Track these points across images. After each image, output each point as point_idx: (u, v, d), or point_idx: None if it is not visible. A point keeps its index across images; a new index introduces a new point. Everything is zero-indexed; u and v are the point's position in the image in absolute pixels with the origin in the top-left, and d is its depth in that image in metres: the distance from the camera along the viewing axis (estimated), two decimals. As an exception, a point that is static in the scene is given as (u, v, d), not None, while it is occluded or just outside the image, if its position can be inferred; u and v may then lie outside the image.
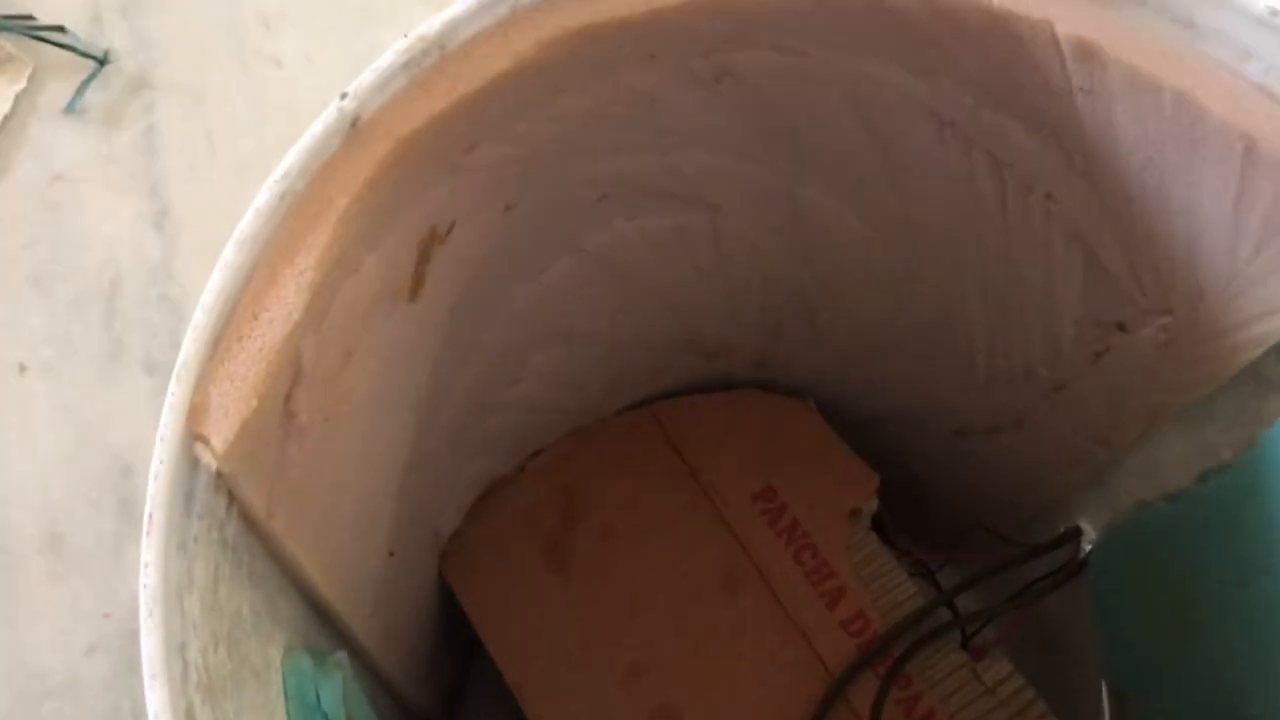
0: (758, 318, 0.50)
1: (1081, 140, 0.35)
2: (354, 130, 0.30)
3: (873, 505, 0.54)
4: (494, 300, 0.40)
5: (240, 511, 0.30)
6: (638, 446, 0.55)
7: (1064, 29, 0.33)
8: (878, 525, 0.58)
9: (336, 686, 0.36)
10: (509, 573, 0.52)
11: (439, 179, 0.33)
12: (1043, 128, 0.36)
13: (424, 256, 0.34)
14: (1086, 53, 0.33)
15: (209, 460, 0.27)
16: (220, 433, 0.27)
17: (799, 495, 0.54)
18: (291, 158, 0.29)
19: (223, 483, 0.28)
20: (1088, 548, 0.51)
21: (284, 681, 0.34)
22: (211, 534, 0.28)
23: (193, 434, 0.27)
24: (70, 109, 0.72)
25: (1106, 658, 0.49)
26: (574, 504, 0.54)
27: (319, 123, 0.30)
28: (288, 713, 0.34)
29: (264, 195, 0.29)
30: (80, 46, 0.73)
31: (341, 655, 0.37)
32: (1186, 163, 0.33)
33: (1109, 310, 0.41)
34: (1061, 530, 0.53)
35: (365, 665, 0.46)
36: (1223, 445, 0.42)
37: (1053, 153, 0.36)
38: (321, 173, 0.29)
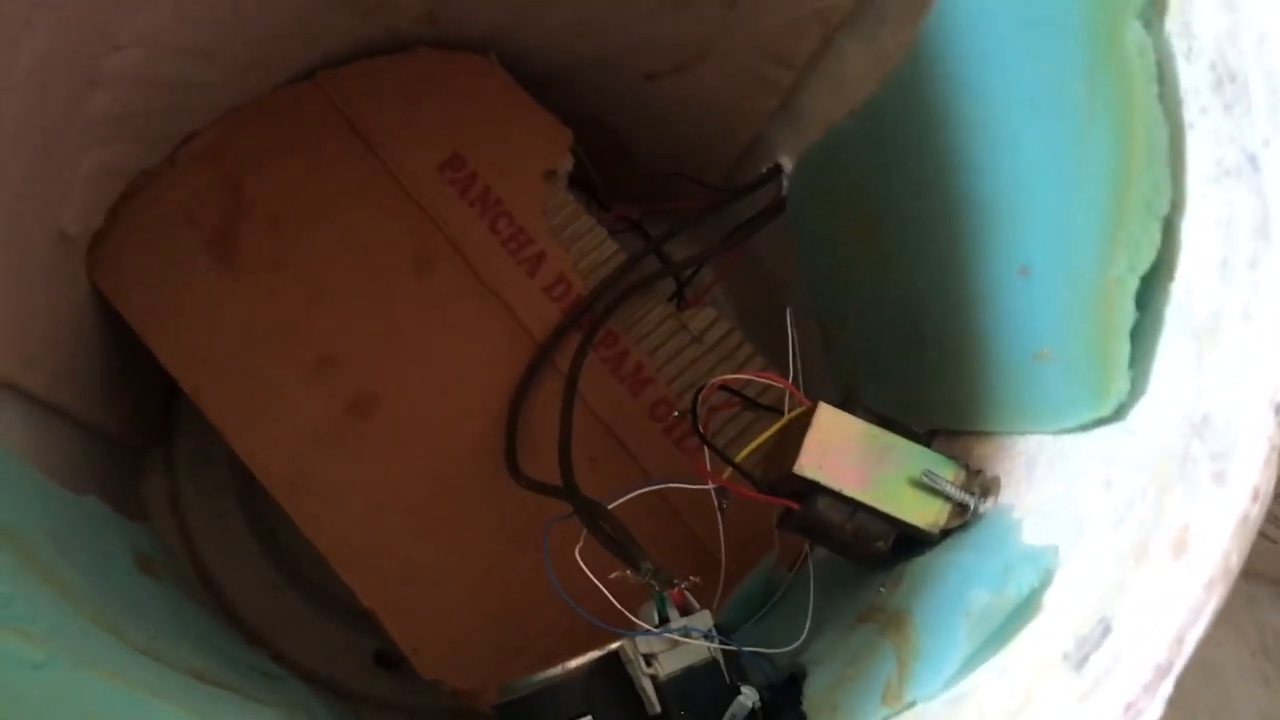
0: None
1: None
2: None
3: (568, 164, 0.51)
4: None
5: None
6: (304, 123, 0.49)
7: None
8: (588, 189, 0.55)
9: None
10: (170, 273, 0.47)
11: None
12: None
13: None
14: None
15: None
16: None
17: (489, 160, 0.50)
18: None
19: None
20: (788, 185, 0.50)
21: None
22: None
23: None
24: None
25: (809, 291, 0.49)
26: (237, 192, 0.48)
27: None
28: None
29: None
30: None
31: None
32: None
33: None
34: (764, 170, 0.51)
35: (12, 394, 0.41)
36: (895, 47, 0.39)
37: None
38: None
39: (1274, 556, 0.56)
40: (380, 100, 0.50)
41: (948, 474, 0.35)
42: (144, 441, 0.57)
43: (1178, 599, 0.23)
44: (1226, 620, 0.61)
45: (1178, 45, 0.28)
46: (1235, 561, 0.23)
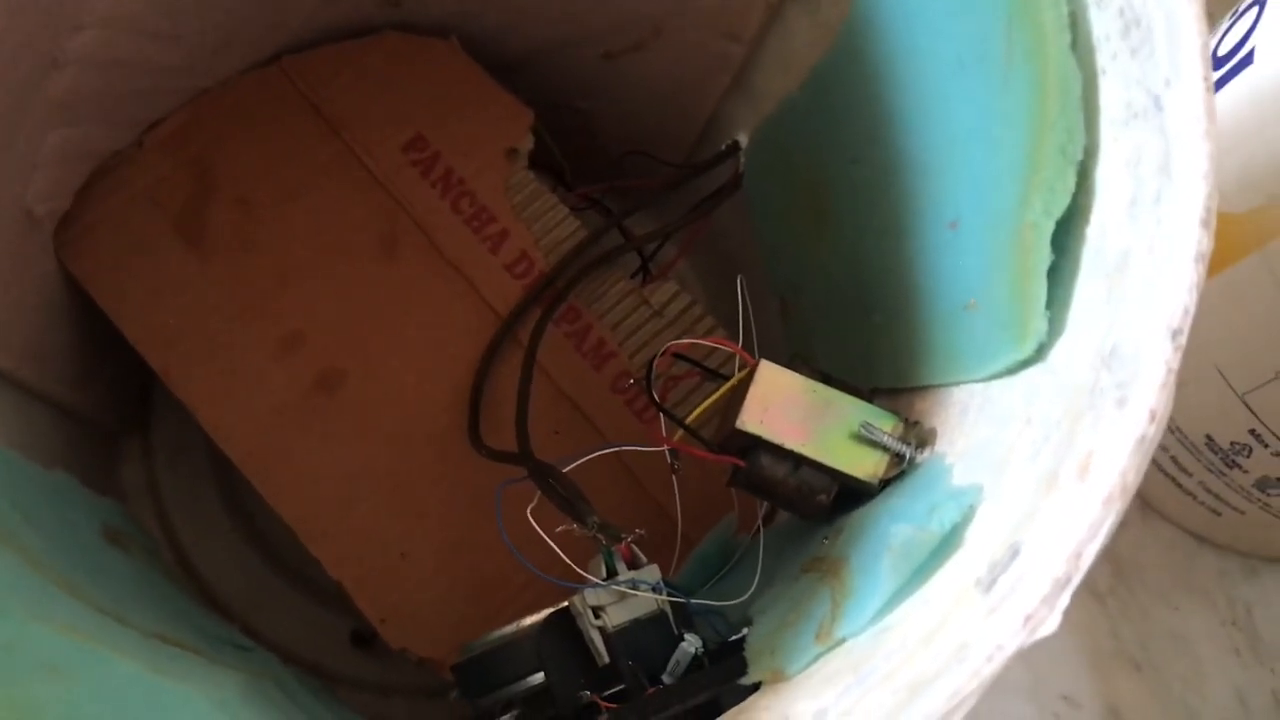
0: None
1: None
2: None
3: (528, 143, 0.52)
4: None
5: None
6: (270, 107, 0.50)
7: None
8: (554, 172, 0.56)
9: None
10: (139, 254, 0.48)
11: None
12: None
13: None
14: None
15: None
16: None
17: (451, 141, 0.51)
18: None
19: None
20: (744, 160, 0.51)
21: None
22: None
23: None
24: None
25: (766, 264, 0.49)
26: (204, 176, 0.49)
27: None
28: None
29: None
30: None
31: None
32: None
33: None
34: (723, 147, 0.52)
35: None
36: (837, 18, 0.40)
37: None
38: None
39: (1244, 529, 0.57)
40: (344, 84, 0.51)
41: (886, 426, 0.35)
42: (121, 426, 0.58)
43: (1078, 517, 0.24)
44: (1198, 592, 0.62)
45: (1089, -5, 0.29)
46: (1132, 479, 0.23)
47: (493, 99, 0.52)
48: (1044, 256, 0.29)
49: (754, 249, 0.52)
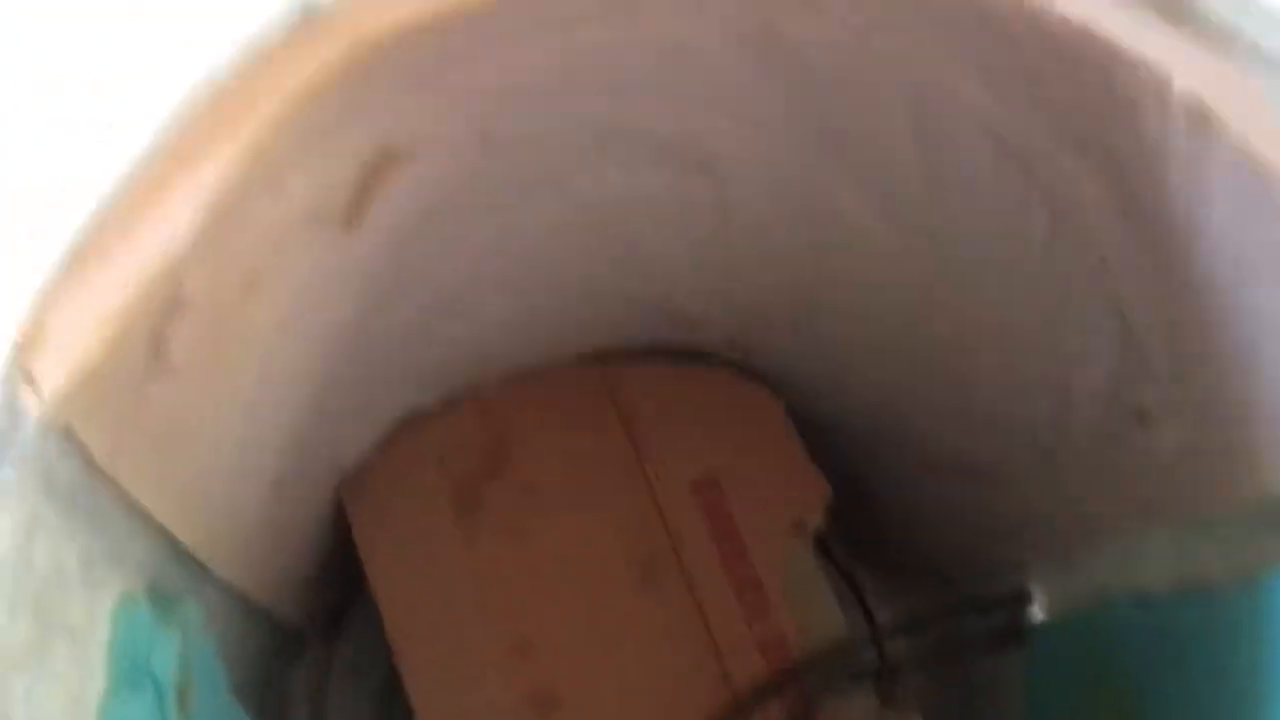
0: (747, 302, 0.45)
1: (1162, 215, 0.30)
2: (308, 22, 0.24)
3: (818, 520, 0.50)
4: (453, 236, 0.34)
5: (79, 453, 0.24)
6: (582, 405, 0.50)
7: (1181, 86, 0.27)
8: (825, 545, 0.53)
9: (173, 645, 0.31)
10: (411, 513, 0.47)
11: (402, 95, 0.27)
12: (1121, 188, 0.31)
13: (370, 182, 0.28)
14: (1201, 121, 0.27)
15: (34, 402, 0.21)
16: (55, 371, 0.21)
17: (743, 493, 0.50)
18: (224, 49, 0.23)
19: (54, 424, 0.23)
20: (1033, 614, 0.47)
21: (112, 635, 0.29)
22: (29, 483, 0.23)
23: (19, 369, 0.21)
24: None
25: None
26: (499, 450, 0.49)
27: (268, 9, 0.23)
28: (109, 674, 0.29)
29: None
30: None
31: (190, 607, 0.32)
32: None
33: (1132, 396, 0.36)
34: (1010, 590, 0.49)
35: (229, 593, 0.41)
36: (1216, 566, 0.37)
37: (1125, 218, 0.31)
38: (256, 69, 0.23)
39: None
40: (656, 405, 0.50)
41: None
42: (307, 626, 0.57)
43: None
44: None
45: None
46: None
47: (796, 464, 0.50)
48: None
49: (1007, 699, 0.48)
